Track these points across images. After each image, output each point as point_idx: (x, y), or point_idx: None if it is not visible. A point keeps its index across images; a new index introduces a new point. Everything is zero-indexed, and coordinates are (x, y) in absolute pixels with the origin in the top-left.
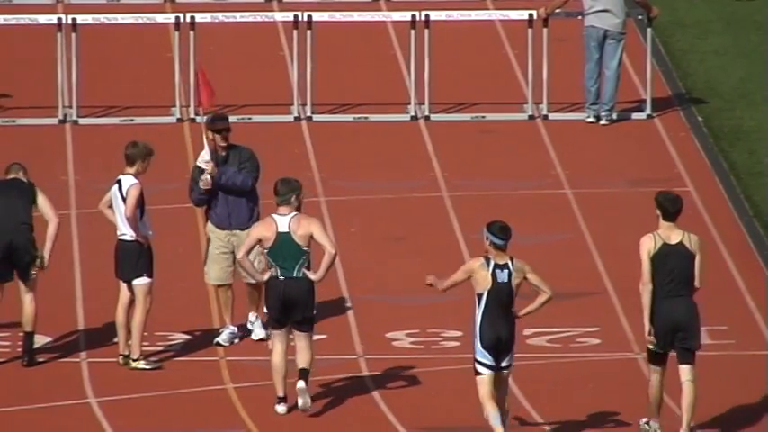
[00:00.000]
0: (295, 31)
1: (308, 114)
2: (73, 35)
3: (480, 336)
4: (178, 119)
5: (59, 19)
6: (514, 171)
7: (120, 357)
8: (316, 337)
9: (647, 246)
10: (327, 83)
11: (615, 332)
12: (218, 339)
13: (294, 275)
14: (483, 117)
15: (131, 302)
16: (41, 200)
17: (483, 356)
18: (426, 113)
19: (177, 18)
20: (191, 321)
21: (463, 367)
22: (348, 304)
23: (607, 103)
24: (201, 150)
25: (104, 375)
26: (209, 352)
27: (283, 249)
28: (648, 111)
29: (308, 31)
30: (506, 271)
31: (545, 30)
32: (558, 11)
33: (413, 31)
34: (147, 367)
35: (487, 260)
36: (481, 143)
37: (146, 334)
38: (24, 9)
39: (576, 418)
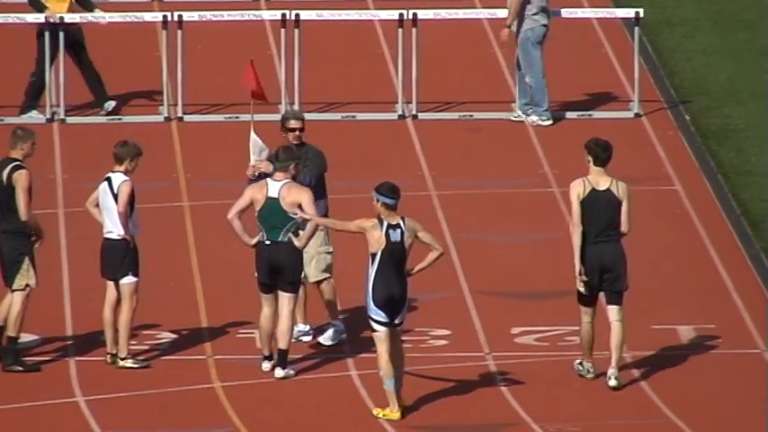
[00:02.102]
0: (283, 30)
1: None
2: (61, 34)
3: (373, 294)
4: (166, 117)
5: (47, 18)
6: (502, 170)
7: (108, 356)
8: (304, 339)
9: (577, 190)
10: (315, 81)
11: (602, 331)
12: (320, 339)
13: (279, 240)
14: (470, 116)
15: (118, 301)
16: (17, 192)
17: (377, 314)
18: (414, 112)
19: (165, 17)
20: (178, 320)
21: (451, 366)
22: (337, 303)
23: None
24: (249, 145)
25: (92, 374)
26: (196, 351)
27: (271, 214)
28: (636, 110)
29: (296, 30)
30: (399, 230)
31: None
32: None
33: (400, 30)
34: (135, 366)
35: (380, 221)
36: (469, 142)
37: (134, 333)
38: (11, 8)
39: (562, 417)
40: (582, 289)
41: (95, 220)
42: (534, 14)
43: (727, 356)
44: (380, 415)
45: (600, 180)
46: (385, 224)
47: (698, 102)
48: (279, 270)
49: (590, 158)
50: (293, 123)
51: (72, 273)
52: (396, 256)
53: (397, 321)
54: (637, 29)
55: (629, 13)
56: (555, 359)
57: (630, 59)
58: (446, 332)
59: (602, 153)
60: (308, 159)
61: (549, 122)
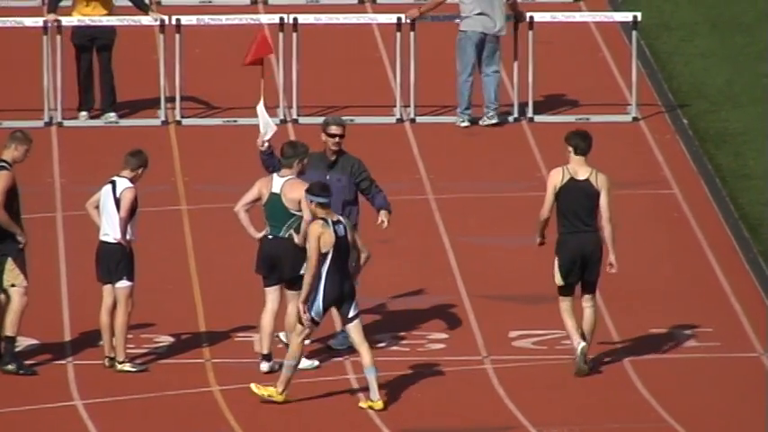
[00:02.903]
0: (281, 34)
1: (294, 117)
2: (58, 37)
3: (324, 294)
4: (163, 121)
5: (45, 22)
6: (500, 173)
7: (106, 360)
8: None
9: (555, 179)
10: (313, 85)
11: (600, 334)
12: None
13: (280, 235)
14: None
15: (115, 305)
16: None
17: (317, 315)
18: (412, 116)
19: (162, 20)
20: (176, 324)
21: (449, 369)
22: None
23: (494, 102)
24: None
25: (90, 377)
26: (194, 354)
27: (273, 209)
28: (634, 113)
29: (294, 34)
30: (342, 225)
31: (530, 32)
32: (429, 15)
33: (398, 34)
34: (133, 369)
35: (324, 220)
36: (466, 145)
37: (131, 336)
38: (10, 12)
39: (560, 420)
40: (559, 281)
41: (93, 223)
42: (477, 15)
43: (726, 360)
44: (366, 406)
45: (579, 170)
46: (329, 221)
47: (696, 105)
48: (277, 264)
49: (570, 148)
50: (334, 129)
51: (70, 276)
52: (342, 251)
53: (351, 315)
54: (635, 32)
55: (626, 16)
56: (553, 363)
57: (628, 63)
58: (444, 336)
59: (581, 142)
60: (360, 173)
61: (466, 125)
